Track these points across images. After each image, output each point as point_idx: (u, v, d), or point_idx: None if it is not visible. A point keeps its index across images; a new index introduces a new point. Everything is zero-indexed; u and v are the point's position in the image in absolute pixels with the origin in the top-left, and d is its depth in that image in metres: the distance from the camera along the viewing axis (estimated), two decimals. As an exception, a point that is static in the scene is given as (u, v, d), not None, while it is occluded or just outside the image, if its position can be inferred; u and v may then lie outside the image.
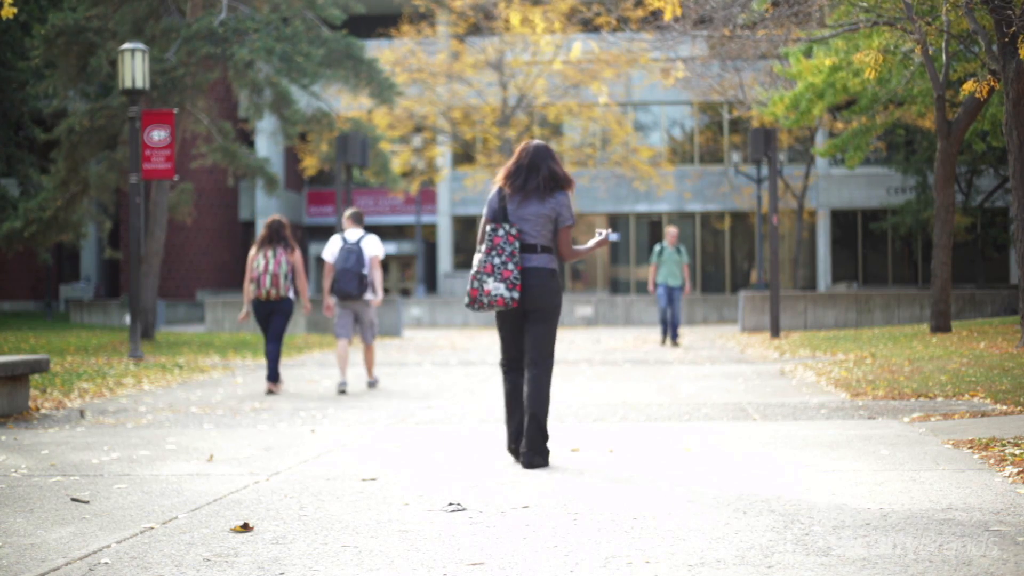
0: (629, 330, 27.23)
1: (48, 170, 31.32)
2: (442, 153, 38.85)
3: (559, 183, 6.48)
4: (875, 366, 12.72)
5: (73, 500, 5.59)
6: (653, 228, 41.30)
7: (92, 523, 5.04)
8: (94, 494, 5.77)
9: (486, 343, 21.34)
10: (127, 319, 24.78)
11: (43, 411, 9.86)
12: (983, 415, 8.34)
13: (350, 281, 11.41)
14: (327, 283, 11.60)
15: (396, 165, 32.55)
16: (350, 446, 7.52)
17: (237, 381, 13.22)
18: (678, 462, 6.55)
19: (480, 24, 34.81)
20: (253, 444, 7.64)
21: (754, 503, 5.24)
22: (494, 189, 6.56)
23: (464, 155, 39.37)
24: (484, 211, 6.51)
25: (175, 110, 17.51)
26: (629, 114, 39.98)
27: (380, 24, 38.16)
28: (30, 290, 44.02)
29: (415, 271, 41.14)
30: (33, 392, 10.76)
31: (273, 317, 11.64)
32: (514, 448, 6.60)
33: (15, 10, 11.99)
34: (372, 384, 12.21)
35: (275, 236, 11.60)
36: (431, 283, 42.57)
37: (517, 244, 6.38)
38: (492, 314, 31.03)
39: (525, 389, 6.48)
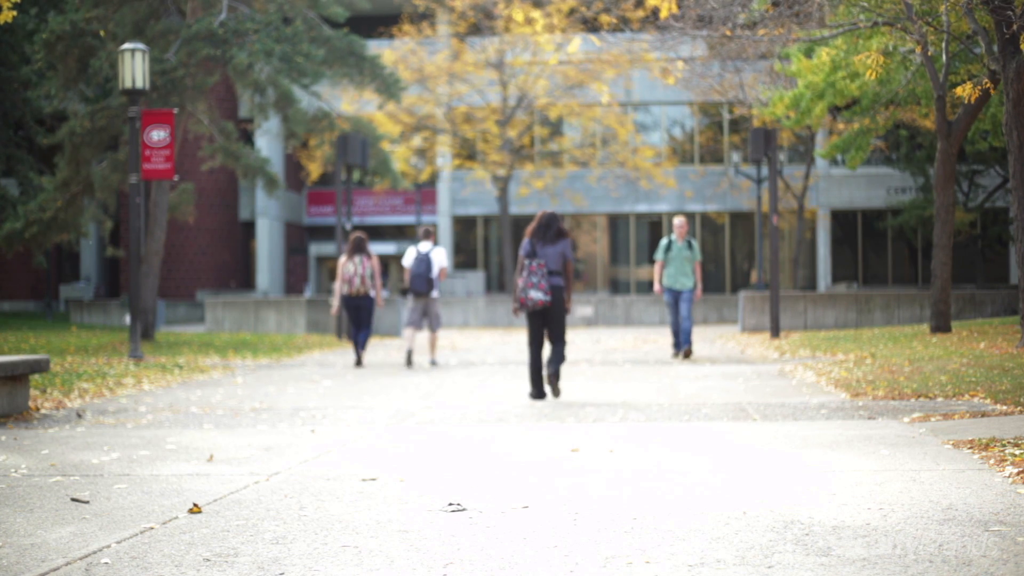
0: (629, 330, 27.24)
1: (48, 171, 31.33)
2: (443, 153, 38.86)
3: (562, 235, 10.65)
4: (875, 366, 12.72)
5: (73, 500, 5.58)
6: (653, 228, 41.30)
7: (92, 523, 5.04)
8: (94, 494, 5.77)
9: (486, 343, 21.34)
10: (127, 319, 24.78)
11: (43, 411, 9.86)
12: (983, 415, 8.34)
13: (421, 283, 15.03)
14: (407, 282, 15.36)
15: (397, 165, 32.56)
16: (350, 446, 7.52)
17: (237, 381, 13.21)
18: (678, 462, 6.55)
19: (481, 24, 34.80)
20: (253, 444, 7.63)
21: (754, 503, 5.24)
22: (526, 239, 10.62)
23: (465, 155, 39.39)
24: (520, 252, 10.57)
25: (175, 110, 17.50)
26: (629, 114, 39.97)
27: (381, 24, 38.16)
28: (30, 290, 44.02)
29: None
30: (33, 392, 10.76)
31: (360, 311, 15.30)
32: (534, 393, 10.63)
33: (14, 13, 11.97)
34: (434, 363, 15.47)
35: (360, 247, 15.15)
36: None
37: (545, 270, 10.45)
38: (491, 316, 31.43)
39: (549, 355, 10.62)
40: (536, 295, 10.39)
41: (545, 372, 10.66)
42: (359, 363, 15.26)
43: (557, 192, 39.09)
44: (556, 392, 10.64)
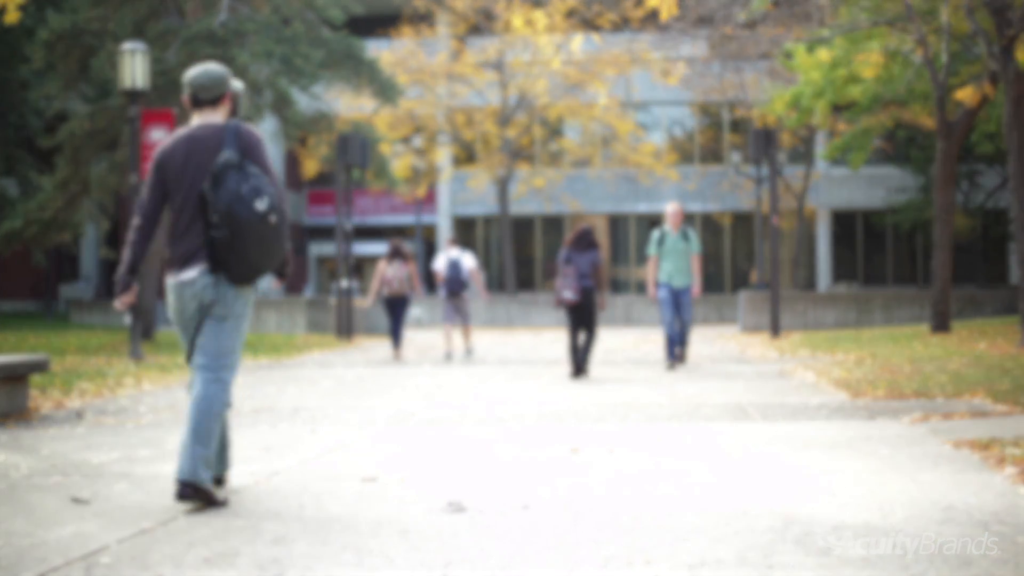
0: (629, 330, 27.24)
1: (48, 171, 31.32)
2: (442, 154, 38.83)
3: (593, 245, 12.89)
4: (875, 366, 12.72)
5: (73, 500, 5.58)
6: (653, 228, 41.29)
7: (92, 523, 5.04)
8: (94, 494, 5.76)
9: (486, 343, 21.34)
10: (127, 319, 24.75)
11: (43, 411, 9.85)
12: (983, 415, 8.34)
13: (456, 284, 17.03)
14: (440, 282, 17.36)
15: (397, 167, 32.56)
16: (350, 446, 7.52)
17: (237, 381, 13.20)
18: (678, 462, 6.55)
19: (480, 24, 34.79)
20: (253, 444, 7.63)
21: (754, 503, 5.24)
22: (563, 249, 12.94)
23: (464, 156, 39.35)
24: (559, 258, 12.93)
25: (175, 110, 17.50)
26: (630, 113, 39.98)
27: (380, 25, 38.13)
28: (30, 290, 43.99)
29: (415, 271, 41.25)
30: (33, 392, 10.76)
31: (397, 308, 17.14)
32: (572, 371, 12.92)
33: (19, 14, 11.94)
34: (469, 351, 17.42)
35: (397, 253, 16.97)
36: (430, 284, 42.57)
37: (576, 274, 12.73)
38: (491, 316, 31.79)
39: (582, 341, 13.02)
40: (567, 294, 12.74)
41: (579, 359, 13.07)
42: (396, 355, 17.19)
43: (557, 192, 39.07)
44: (585, 372, 13.05)
